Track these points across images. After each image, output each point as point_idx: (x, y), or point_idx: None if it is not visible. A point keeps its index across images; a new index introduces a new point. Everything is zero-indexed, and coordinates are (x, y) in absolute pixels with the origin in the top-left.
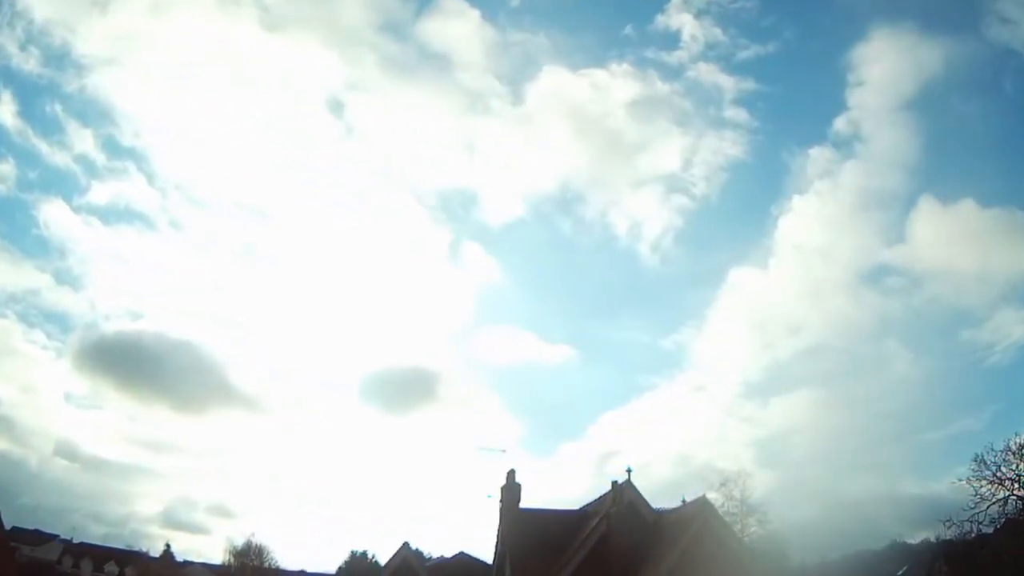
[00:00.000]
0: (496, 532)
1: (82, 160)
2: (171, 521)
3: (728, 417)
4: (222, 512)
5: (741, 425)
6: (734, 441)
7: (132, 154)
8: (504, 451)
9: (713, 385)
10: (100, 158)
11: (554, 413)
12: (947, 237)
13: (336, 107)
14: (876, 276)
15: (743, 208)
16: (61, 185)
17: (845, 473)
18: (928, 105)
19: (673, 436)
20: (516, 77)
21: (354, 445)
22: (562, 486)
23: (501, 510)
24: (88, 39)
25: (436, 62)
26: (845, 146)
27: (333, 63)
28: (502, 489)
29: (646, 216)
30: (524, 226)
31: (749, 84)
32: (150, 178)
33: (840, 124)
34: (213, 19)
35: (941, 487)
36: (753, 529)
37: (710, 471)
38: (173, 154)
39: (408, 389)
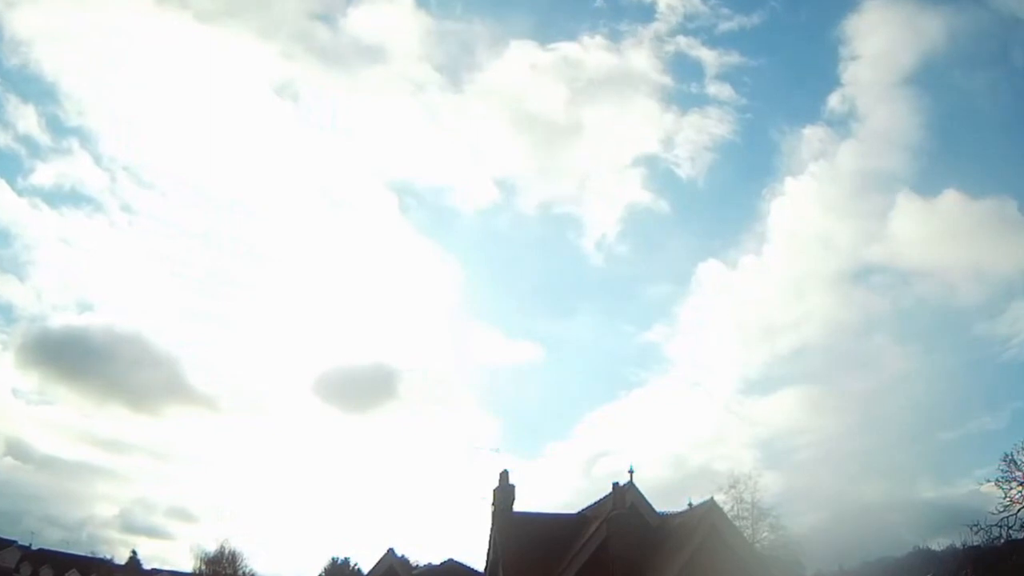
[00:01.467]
0: (488, 537)
1: (25, 140)
2: (129, 525)
3: (726, 416)
4: (183, 516)
5: (740, 424)
6: (733, 441)
7: (78, 133)
8: (498, 450)
9: (708, 382)
10: (44, 138)
11: (533, 412)
12: (955, 224)
13: (277, 96)
14: (880, 264)
15: (732, 191)
16: (3, 166)
17: (854, 476)
18: (929, 80)
19: (667, 435)
20: (471, 57)
21: (321, 446)
22: (550, 488)
23: (493, 514)
24: (26, 16)
25: (371, 51)
26: (840, 125)
27: (268, 53)
28: (494, 491)
29: (622, 201)
30: (484, 219)
31: (733, 58)
32: (97, 159)
33: (834, 101)
34: (143, 8)
35: (959, 490)
36: (765, 534)
37: (708, 472)
38: (120, 135)
39: (371, 387)
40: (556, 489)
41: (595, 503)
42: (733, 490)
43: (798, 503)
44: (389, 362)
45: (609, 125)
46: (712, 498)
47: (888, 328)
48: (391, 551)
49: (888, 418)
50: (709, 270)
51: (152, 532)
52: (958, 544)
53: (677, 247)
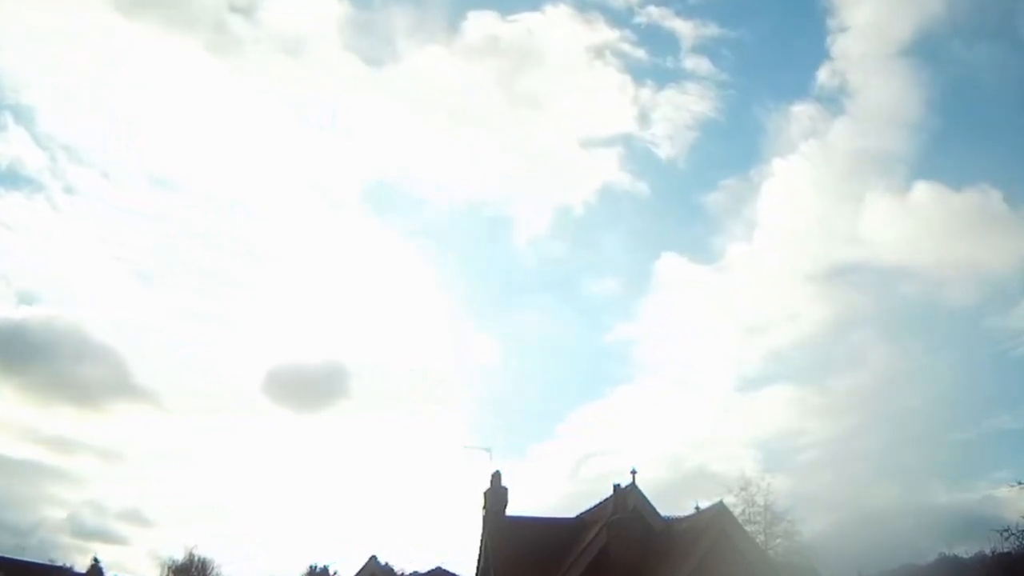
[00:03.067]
0: (479, 543)
1: None
2: (79, 529)
3: (722, 414)
4: (137, 519)
5: (737, 424)
6: (731, 441)
7: (13, 110)
8: (490, 450)
9: (700, 380)
10: None
11: (512, 411)
12: (962, 210)
13: (203, 86)
14: (881, 253)
15: (716, 172)
16: None
17: (863, 479)
18: (926, 53)
19: (659, 434)
20: (413, 36)
21: (285, 447)
22: (535, 492)
23: (485, 518)
24: None
25: (293, 42)
26: (831, 101)
27: (192, 47)
28: (485, 494)
29: (597, 183)
30: (447, 210)
31: (710, 29)
32: (35, 137)
33: (823, 76)
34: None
35: (974, 495)
36: (779, 540)
37: (705, 474)
38: (58, 113)
39: (326, 385)
40: (541, 492)
41: (594, 506)
42: (744, 492)
43: (804, 507)
44: (349, 360)
45: (578, 101)
46: (721, 501)
47: (892, 322)
48: (374, 558)
49: (896, 418)
50: (690, 259)
51: (105, 537)
52: (988, 551)
53: (655, 233)
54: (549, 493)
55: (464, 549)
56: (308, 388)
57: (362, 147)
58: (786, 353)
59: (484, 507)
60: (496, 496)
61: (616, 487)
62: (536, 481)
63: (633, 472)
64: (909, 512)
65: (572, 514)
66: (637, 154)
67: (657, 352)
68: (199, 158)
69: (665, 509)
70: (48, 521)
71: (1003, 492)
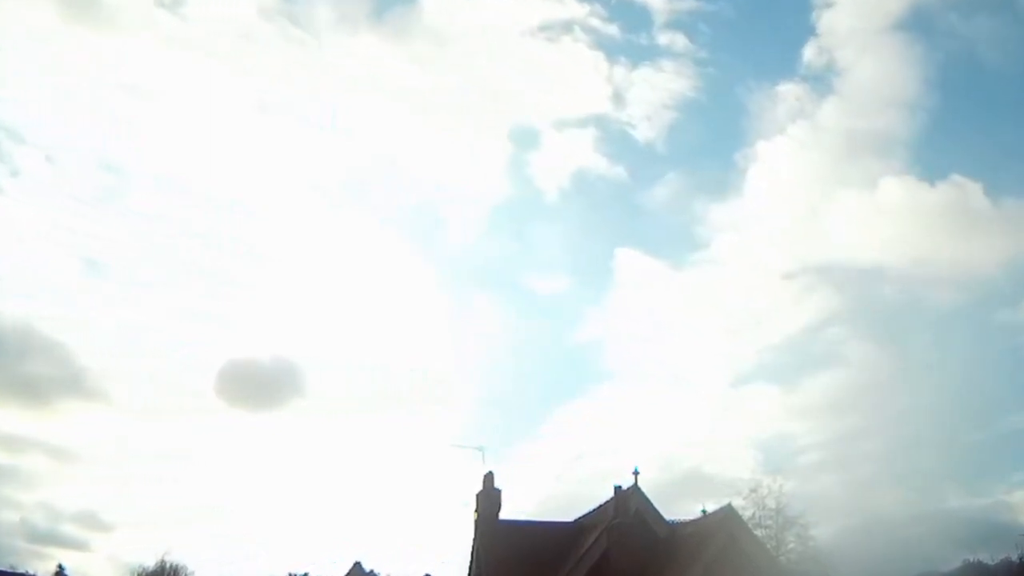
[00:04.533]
0: (471, 549)
1: None
2: (33, 533)
3: (720, 412)
4: (94, 523)
5: (734, 423)
6: (728, 441)
7: None
8: (482, 449)
9: (692, 376)
10: None
11: (494, 410)
12: (966, 197)
13: (148, 77)
14: (880, 244)
15: (698, 155)
16: None
17: (871, 482)
18: (920, 28)
19: (651, 434)
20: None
21: (260, 450)
22: (521, 493)
23: (477, 522)
24: None
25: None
26: (818, 80)
27: (126, 43)
28: (477, 497)
29: (572, 166)
30: (408, 200)
31: (686, 3)
32: None
33: (810, 54)
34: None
35: (986, 500)
36: (791, 546)
37: (701, 475)
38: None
39: (298, 384)
40: (528, 494)
41: (594, 509)
42: (754, 494)
43: (813, 510)
44: (331, 359)
45: (550, 81)
46: (729, 503)
47: (894, 315)
48: (358, 565)
49: (901, 419)
50: (672, 250)
51: (62, 541)
52: (1015, 558)
53: (630, 223)
54: (536, 495)
55: (455, 554)
56: (276, 387)
57: (331, 140)
58: (782, 350)
59: (476, 510)
60: (489, 499)
61: (617, 489)
62: (521, 483)
63: (635, 473)
64: (921, 517)
65: (560, 517)
66: (612, 136)
67: (635, 349)
68: (146, 144)
69: (666, 511)
70: (2, 525)
71: (1017, 497)
